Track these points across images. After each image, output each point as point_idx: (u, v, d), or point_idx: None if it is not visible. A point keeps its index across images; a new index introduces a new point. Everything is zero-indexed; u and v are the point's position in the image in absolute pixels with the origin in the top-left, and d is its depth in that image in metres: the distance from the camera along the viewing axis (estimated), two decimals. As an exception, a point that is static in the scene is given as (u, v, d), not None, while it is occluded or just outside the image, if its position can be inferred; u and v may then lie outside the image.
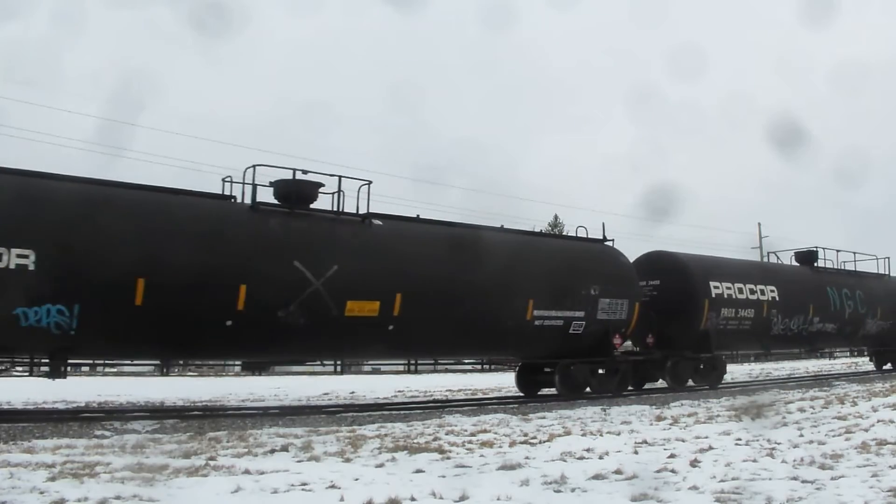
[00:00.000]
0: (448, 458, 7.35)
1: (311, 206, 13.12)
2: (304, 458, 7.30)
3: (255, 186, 12.46)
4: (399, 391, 19.04)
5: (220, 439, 8.86)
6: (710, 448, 7.79)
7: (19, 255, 10.10)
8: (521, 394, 16.85)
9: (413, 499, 5.38)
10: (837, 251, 23.66)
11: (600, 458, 7.30)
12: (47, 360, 11.17)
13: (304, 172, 12.88)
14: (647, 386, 18.42)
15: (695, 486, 5.87)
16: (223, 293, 11.51)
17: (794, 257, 23.96)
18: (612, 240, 17.70)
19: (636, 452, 7.69)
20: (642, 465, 6.75)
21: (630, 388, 17.69)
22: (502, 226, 16.19)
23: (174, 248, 11.19)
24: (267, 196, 12.80)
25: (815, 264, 23.17)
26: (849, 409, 11.44)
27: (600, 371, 16.52)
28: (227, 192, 12.73)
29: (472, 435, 9.22)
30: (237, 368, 28.77)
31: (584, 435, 9.06)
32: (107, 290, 10.59)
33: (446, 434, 9.32)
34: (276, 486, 5.77)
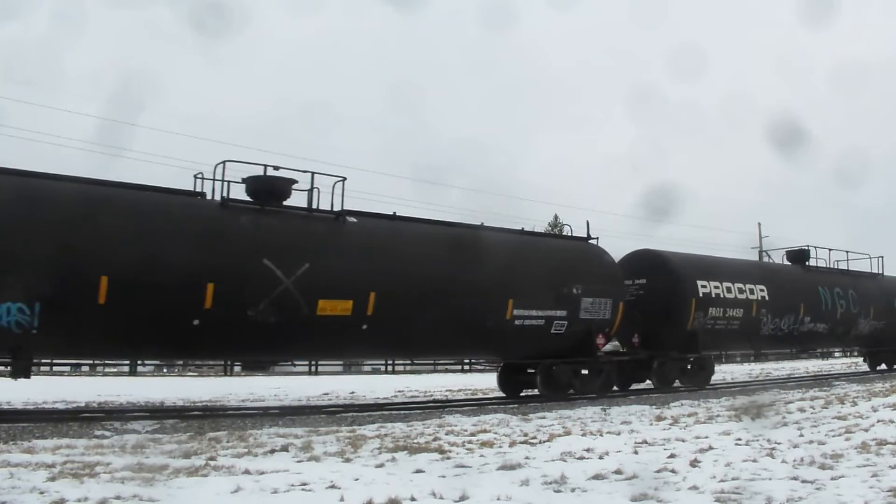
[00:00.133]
0: (448, 458, 7.35)
1: (285, 203, 12.86)
2: (304, 458, 7.29)
3: (224, 183, 12.23)
4: (399, 391, 19.05)
5: (220, 439, 8.86)
6: (710, 448, 7.79)
7: None
8: (504, 394, 16.61)
9: (413, 499, 5.38)
10: (830, 250, 23.44)
11: (600, 458, 7.29)
12: (9, 360, 10.84)
13: (276, 168, 12.68)
14: (633, 387, 18.19)
15: (695, 486, 5.87)
16: (190, 291, 11.25)
17: (785, 256, 23.67)
18: (597, 238, 17.44)
19: (636, 452, 7.68)
20: (642, 465, 6.75)
21: (616, 388, 17.47)
22: (482, 223, 15.86)
23: (138, 245, 10.92)
24: (242, 193, 12.59)
25: (807, 263, 22.90)
26: (849, 409, 11.44)
27: (584, 371, 16.28)
28: (198, 189, 12.45)
29: (472, 435, 9.22)
30: (237, 368, 28.82)
31: (584, 435, 9.06)
32: (69, 289, 10.34)
33: (446, 434, 9.32)
34: (276, 486, 5.77)
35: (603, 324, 16.33)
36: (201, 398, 16.28)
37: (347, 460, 7.16)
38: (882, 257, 25.15)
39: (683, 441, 8.42)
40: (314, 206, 13.05)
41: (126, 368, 27.51)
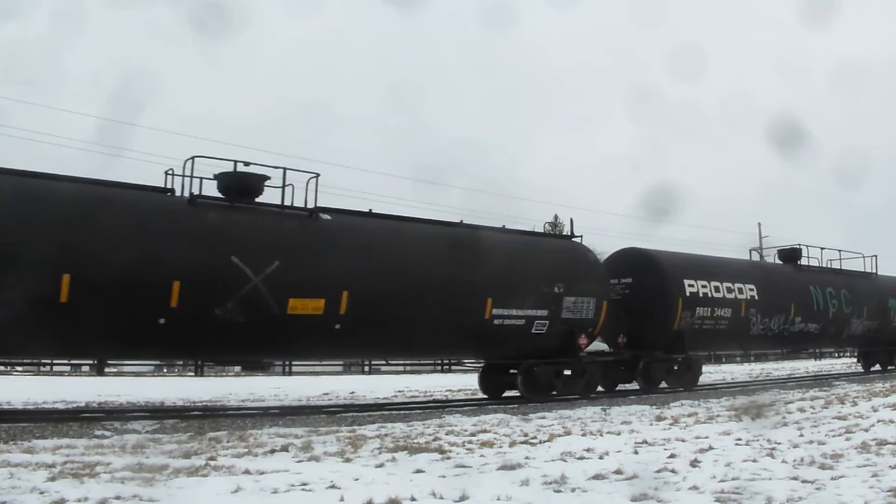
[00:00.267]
0: (448, 458, 7.35)
1: (258, 199, 12.65)
2: (304, 458, 7.29)
3: (194, 179, 12.06)
4: (399, 391, 19.05)
5: (220, 439, 8.86)
6: (711, 448, 7.79)
7: None
8: (485, 396, 16.40)
9: (413, 499, 5.38)
10: (822, 249, 23.11)
11: (600, 458, 7.29)
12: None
13: (247, 164, 12.48)
14: (619, 388, 17.96)
15: (695, 486, 5.87)
16: (155, 290, 10.96)
17: (777, 255, 23.37)
18: (581, 236, 17.21)
19: (636, 452, 7.68)
20: (642, 465, 6.75)
21: (601, 389, 17.29)
22: (461, 221, 15.55)
23: (102, 242, 10.69)
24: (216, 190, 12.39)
25: (799, 262, 22.60)
26: (849, 409, 11.44)
27: (566, 372, 15.99)
28: (168, 185, 12.21)
29: (472, 435, 9.22)
30: (237, 368, 28.79)
31: (584, 435, 9.06)
32: (29, 287, 9.96)
33: (446, 434, 9.32)
34: (276, 486, 5.77)
35: (586, 323, 16.00)
36: (201, 398, 16.28)
37: (347, 460, 7.16)
38: (876, 256, 24.91)
39: (683, 441, 8.42)
40: (288, 203, 12.79)
41: (125, 369, 27.50)
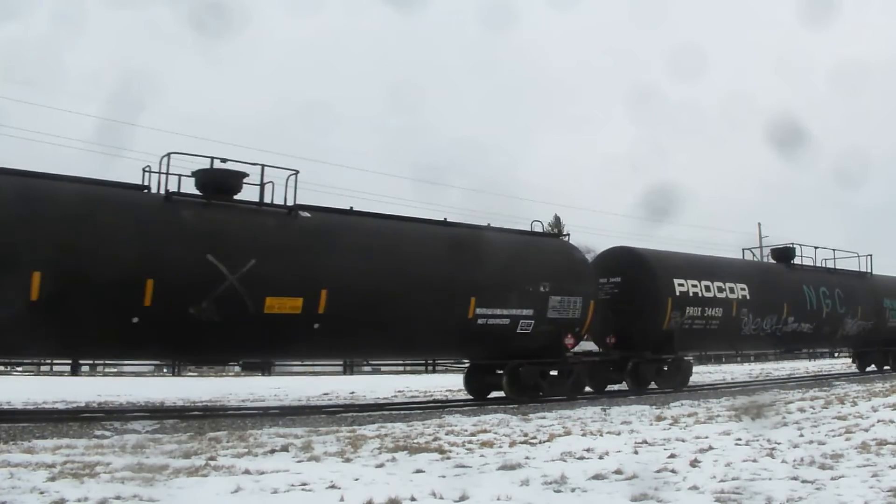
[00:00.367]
0: (448, 458, 7.35)
1: (236, 197, 12.47)
2: (305, 458, 7.29)
3: (172, 176, 11.94)
4: (399, 391, 19.05)
5: (220, 439, 8.86)
6: (711, 448, 7.79)
7: None
8: (471, 397, 16.22)
9: (413, 499, 5.38)
10: (816, 248, 22.95)
11: (600, 458, 7.29)
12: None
13: (223, 161, 12.27)
14: (608, 388, 17.76)
15: (695, 486, 5.87)
16: (128, 288, 10.75)
17: (770, 254, 23.13)
18: (568, 234, 16.99)
19: (636, 452, 7.68)
20: (642, 465, 6.75)
21: (590, 390, 17.12)
22: (445, 219, 15.30)
23: (73, 238, 10.48)
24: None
25: (792, 262, 22.39)
26: (849, 409, 11.44)
27: (552, 373, 15.78)
28: (145, 182, 12.06)
29: (472, 435, 9.22)
30: (237, 368, 28.80)
31: (584, 435, 9.06)
32: None
33: (446, 434, 9.32)
34: (277, 486, 5.77)
35: (573, 323, 15.75)
36: (201, 398, 16.29)
37: (347, 460, 7.16)
38: (870, 255, 24.70)
39: (683, 441, 8.43)
40: (268, 201, 12.65)
41: (127, 369, 27.51)
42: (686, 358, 18.99)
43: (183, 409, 13.78)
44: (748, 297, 19.51)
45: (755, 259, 23.21)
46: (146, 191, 11.92)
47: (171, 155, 11.95)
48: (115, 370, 27.67)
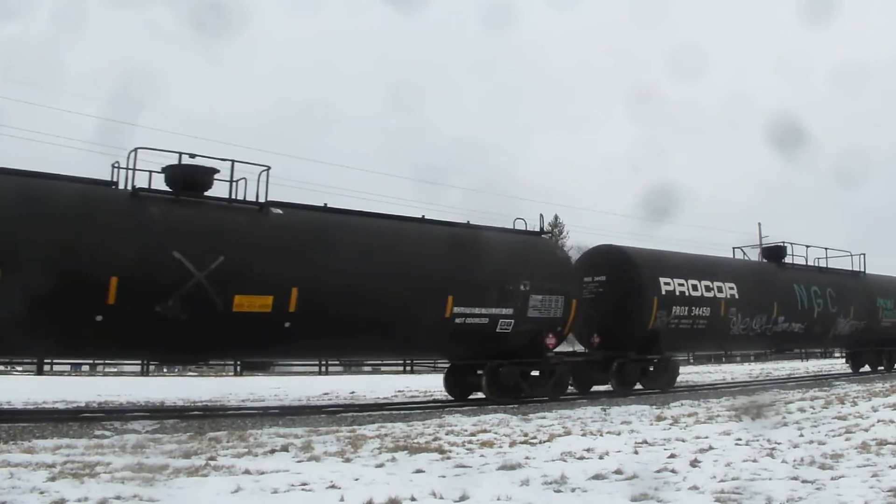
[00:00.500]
0: (448, 458, 7.34)
1: (207, 193, 12.28)
2: (305, 458, 7.29)
3: (144, 172, 11.77)
4: (399, 391, 19.05)
5: (220, 439, 8.86)
6: (711, 448, 7.78)
7: None
8: (451, 397, 15.99)
9: (413, 499, 5.38)
10: (807, 247, 22.74)
11: (600, 458, 7.29)
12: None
13: (192, 156, 12.07)
14: (594, 389, 17.51)
15: (695, 486, 5.87)
16: (91, 285, 10.55)
17: (761, 253, 22.88)
18: (549, 232, 16.75)
19: (636, 452, 7.69)
20: (642, 465, 6.75)
21: (576, 391, 16.90)
22: (423, 216, 15.06)
23: (34, 235, 10.32)
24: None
25: (784, 261, 22.16)
26: (849, 409, 11.44)
27: (533, 373, 15.48)
28: (114, 178, 11.85)
29: (472, 435, 9.22)
30: (237, 368, 28.80)
31: (584, 435, 9.06)
32: None
33: (446, 434, 9.32)
34: (277, 486, 5.77)
35: (554, 322, 15.47)
36: (201, 398, 16.30)
37: (347, 460, 7.16)
38: (864, 255, 24.49)
39: (683, 441, 8.43)
40: (241, 198, 12.48)
41: (127, 369, 27.51)
42: (673, 358, 18.69)
43: (183, 409, 13.78)
44: (737, 297, 19.24)
45: (746, 258, 22.77)
46: (114, 187, 11.71)
47: (138, 150, 11.75)
48: (116, 370, 27.68)
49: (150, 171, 11.86)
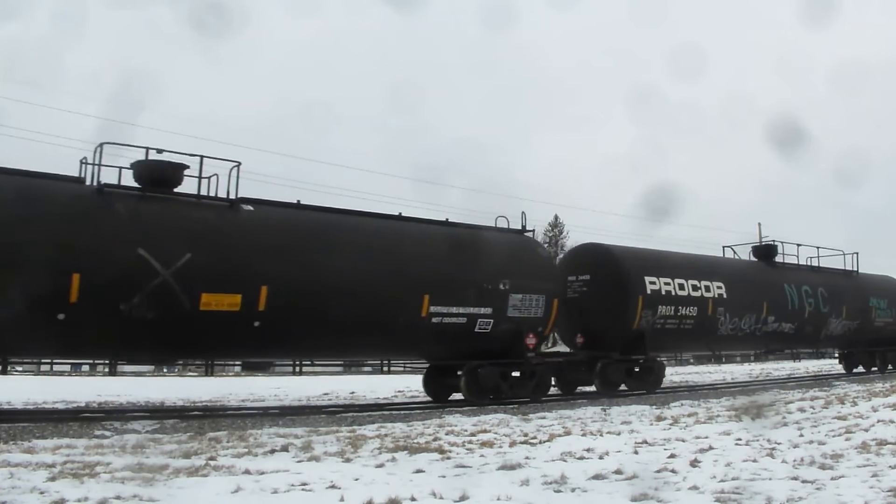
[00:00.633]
0: (448, 458, 7.35)
1: (177, 189, 12.04)
2: (305, 458, 7.30)
3: (113, 168, 11.57)
4: (399, 391, 19.04)
5: (220, 439, 8.86)
6: (711, 448, 7.79)
7: None
8: (430, 398, 15.69)
9: (413, 499, 5.38)
10: (798, 245, 22.40)
11: (600, 458, 7.29)
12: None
13: (159, 152, 11.81)
14: (579, 390, 17.14)
15: (695, 486, 5.87)
16: (52, 283, 10.27)
17: (751, 252, 22.34)
18: (533, 230, 16.40)
19: (636, 452, 7.69)
20: (642, 465, 6.75)
21: (559, 392, 16.67)
22: (400, 213, 14.81)
23: None
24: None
25: (774, 260, 21.83)
26: (849, 409, 11.44)
27: (514, 374, 15.14)
28: (81, 174, 11.67)
29: (472, 435, 9.22)
30: (237, 368, 28.76)
31: (584, 435, 9.06)
32: None
33: (446, 434, 9.32)
34: (277, 486, 5.77)
35: (535, 322, 15.13)
36: (201, 398, 16.30)
37: (347, 460, 7.16)
38: (857, 253, 24.15)
39: (683, 441, 8.43)
40: (202, 193, 12.20)
41: (127, 369, 27.45)
42: (659, 359, 18.35)
43: (183, 409, 13.78)
44: (725, 296, 18.85)
45: (737, 257, 22.30)
46: (82, 183, 11.51)
47: (104, 145, 11.50)
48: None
49: (120, 168, 11.70)
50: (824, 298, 22.02)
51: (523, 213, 16.35)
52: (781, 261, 22.13)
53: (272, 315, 11.98)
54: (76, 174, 11.69)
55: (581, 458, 7.32)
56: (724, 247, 22.65)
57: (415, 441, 8.61)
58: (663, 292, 17.50)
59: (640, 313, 17.02)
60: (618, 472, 6.44)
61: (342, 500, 5.36)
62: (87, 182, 11.58)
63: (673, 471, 6.52)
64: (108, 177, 11.58)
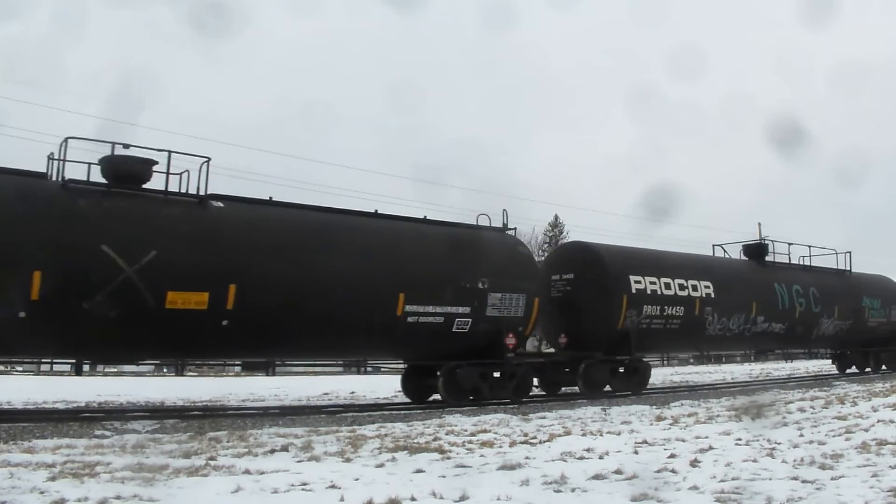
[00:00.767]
0: (448, 458, 7.35)
1: (145, 185, 11.82)
2: (305, 458, 7.30)
3: (82, 164, 11.35)
4: (399, 391, 19.00)
5: (221, 439, 8.86)
6: (711, 448, 7.79)
7: None
8: (409, 400, 15.42)
9: (413, 499, 5.38)
10: (789, 244, 22.09)
11: (600, 458, 7.29)
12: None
13: (126, 147, 11.63)
14: (563, 391, 16.81)
15: (695, 486, 5.87)
16: (13, 281, 10.11)
17: (742, 251, 22.02)
18: (514, 228, 16.08)
19: (636, 452, 7.69)
20: (642, 465, 6.75)
21: (543, 393, 16.46)
22: (376, 210, 14.53)
23: None
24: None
25: (765, 258, 21.55)
26: (849, 409, 11.45)
27: (495, 375, 14.85)
28: (48, 170, 11.47)
29: (472, 435, 9.22)
30: (237, 368, 28.74)
31: (584, 435, 9.06)
32: None
33: (446, 434, 9.32)
34: (277, 486, 5.77)
35: (515, 322, 14.84)
36: (201, 398, 16.30)
37: (347, 460, 7.16)
38: (849, 253, 23.88)
39: (683, 441, 8.43)
40: (169, 189, 11.97)
41: (127, 369, 27.46)
42: (644, 359, 18.05)
43: (183, 409, 13.77)
44: (713, 296, 18.50)
45: (727, 256, 21.96)
46: (46, 179, 11.35)
47: (69, 140, 11.33)
48: (115, 370, 27.66)
49: (89, 164, 11.48)
50: (816, 298, 21.78)
51: (504, 210, 16.04)
52: (772, 260, 21.89)
53: (241, 314, 11.74)
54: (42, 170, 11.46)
55: (581, 458, 7.32)
56: (714, 245, 22.39)
57: (415, 441, 8.61)
58: (649, 291, 17.21)
59: (624, 313, 16.73)
60: (618, 472, 6.44)
61: (342, 499, 5.36)
62: (53, 178, 11.40)
63: (673, 471, 6.52)
64: (79, 173, 11.45)
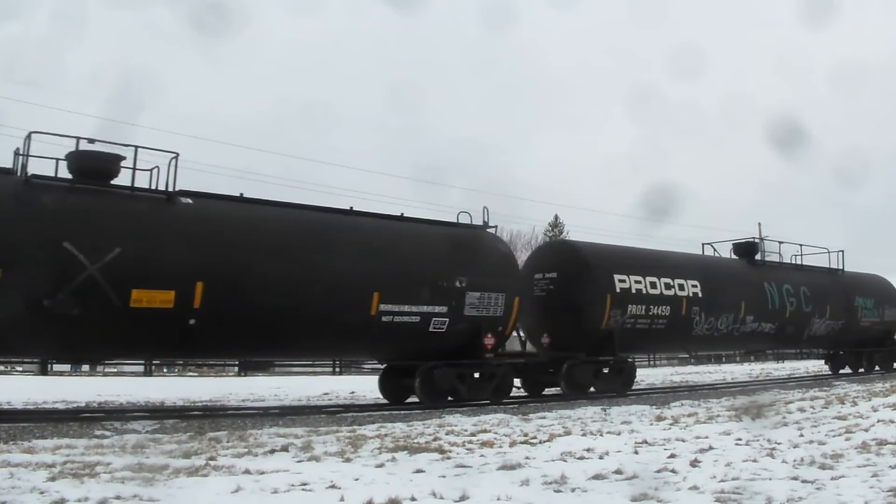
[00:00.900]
0: (448, 458, 7.35)
1: (113, 181, 11.61)
2: (305, 458, 7.30)
3: (51, 160, 11.20)
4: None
5: (220, 439, 8.86)
6: (711, 448, 7.79)
7: None
8: (386, 401, 15.11)
9: (413, 499, 5.38)
10: (780, 243, 21.96)
11: (600, 458, 7.29)
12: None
13: (91, 142, 11.42)
14: (546, 392, 16.61)
15: (695, 485, 5.87)
16: None
17: (732, 250, 21.71)
18: (495, 226, 15.82)
19: (636, 452, 7.69)
20: (642, 465, 6.75)
21: (525, 394, 16.28)
22: (351, 208, 14.22)
23: None
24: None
25: (756, 257, 21.36)
26: (849, 409, 11.45)
27: (475, 375, 14.59)
28: (14, 165, 11.31)
29: (473, 435, 9.22)
30: (237, 368, 28.75)
31: (584, 435, 9.06)
32: None
33: (446, 434, 9.32)
34: (277, 486, 5.77)
35: (494, 321, 14.58)
36: (201, 398, 16.30)
37: (347, 460, 7.16)
38: (842, 251, 23.64)
39: (683, 441, 8.43)
40: (136, 185, 11.74)
41: (127, 369, 27.48)
42: (629, 360, 17.77)
43: (183, 409, 13.77)
44: (700, 295, 18.19)
45: (716, 255, 21.67)
46: (12, 175, 11.16)
47: (33, 134, 11.14)
48: (115, 370, 27.67)
49: (57, 159, 11.33)
50: (807, 297, 21.51)
51: (485, 207, 15.68)
52: (762, 258, 21.70)
53: (208, 312, 11.53)
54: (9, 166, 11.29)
55: (581, 458, 7.32)
56: (703, 244, 22.05)
57: (415, 441, 8.61)
58: (633, 291, 16.89)
59: (608, 312, 16.44)
60: (618, 471, 6.44)
61: (342, 500, 5.36)
62: (19, 173, 11.19)
63: (673, 471, 6.52)
64: (46, 168, 11.30)
